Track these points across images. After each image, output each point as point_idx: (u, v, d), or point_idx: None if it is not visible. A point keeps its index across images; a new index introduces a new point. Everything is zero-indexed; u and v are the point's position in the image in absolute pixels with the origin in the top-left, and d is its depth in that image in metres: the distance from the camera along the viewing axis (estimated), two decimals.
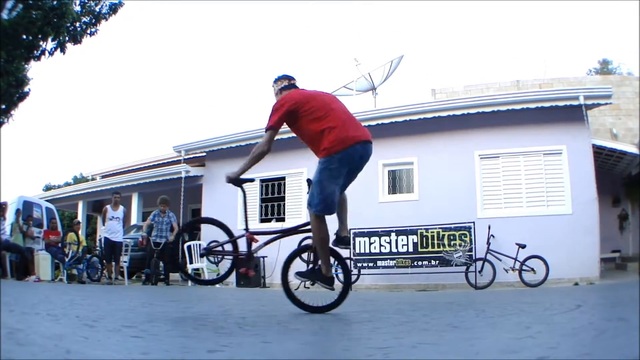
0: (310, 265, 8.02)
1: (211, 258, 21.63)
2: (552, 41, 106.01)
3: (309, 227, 7.55)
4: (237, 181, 7.91)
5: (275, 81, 8.02)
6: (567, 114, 18.25)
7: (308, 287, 17.86)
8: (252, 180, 8.32)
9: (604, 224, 18.83)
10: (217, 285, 19.98)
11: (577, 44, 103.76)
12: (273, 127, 7.41)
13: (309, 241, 8.18)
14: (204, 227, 23.61)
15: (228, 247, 8.15)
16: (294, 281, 7.76)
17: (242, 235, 7.83)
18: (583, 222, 17.45)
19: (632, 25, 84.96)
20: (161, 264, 20.28)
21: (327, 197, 7.11)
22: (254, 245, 7.83)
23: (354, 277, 18.26)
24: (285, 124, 7.53)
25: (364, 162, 7.37)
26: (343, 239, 7.92)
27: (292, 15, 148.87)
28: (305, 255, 8.56)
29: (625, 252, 24.63)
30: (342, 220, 7.87)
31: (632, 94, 27.82)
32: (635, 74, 41.30)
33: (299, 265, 8.02)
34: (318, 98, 7.47)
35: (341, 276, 8.15)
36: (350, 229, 17.57)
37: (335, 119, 7.18)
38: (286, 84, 7.90)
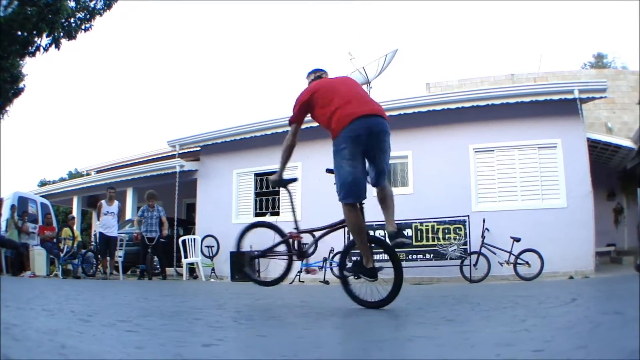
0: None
1: (205, 252, 21.70)
2: (547, 35, 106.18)
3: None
4: (281, 182, 8.08)
5: (307, 76, 8.18)
6: (561, 107, 18.27)
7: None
8: (295, 179, 8.41)
9: (599, 217, 18.86)
10: (212, 280, 20.06)
11: (571, 37, 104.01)
12: (293, 122, 7.56)
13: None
14: (198, 223, 23.70)
15: (282, 247, 8.32)
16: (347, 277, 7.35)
17: (287, 239, 8.12)
18: (578, 216, 17.46)
19: (628, 19, 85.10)
20: (156, 258, 20.25)
21: (347, 181, 6.97)
22: (304, 243, 8.24)
23: None
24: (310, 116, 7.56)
25: (378, 137, 7.04)
26: (393, 235, 7.40)
27: (286, 9, 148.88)
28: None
29: (620, 246, 24.70)
30: (386, 215, 7.59)
31: (626, 88, 27.86)
32: (629, 68, 41.31)
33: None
34: (326, 84, 7.47)
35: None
36: None
37: (339, 100, 7.07)
38: (312, 78, 8.03)
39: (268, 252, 8.53)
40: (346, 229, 7.61)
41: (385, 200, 7.55)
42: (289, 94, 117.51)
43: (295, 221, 8.20)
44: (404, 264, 17.11)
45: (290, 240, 7.90)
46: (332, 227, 8.01)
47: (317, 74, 8.04)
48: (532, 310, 6.21)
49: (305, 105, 7.38)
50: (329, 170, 7.48)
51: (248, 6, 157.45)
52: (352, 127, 6.77)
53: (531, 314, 5.76)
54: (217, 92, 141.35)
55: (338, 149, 6.91)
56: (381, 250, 7.71)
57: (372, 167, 7.26)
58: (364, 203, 7.35)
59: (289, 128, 7.64)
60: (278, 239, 8.14)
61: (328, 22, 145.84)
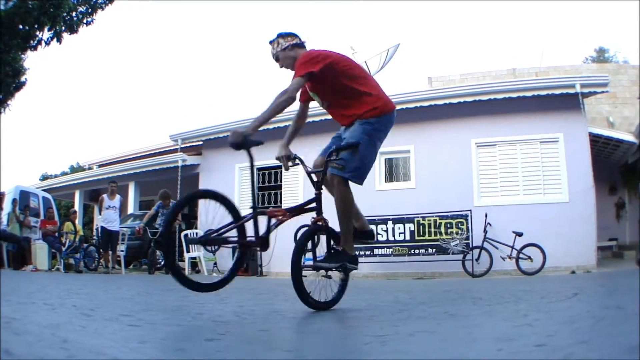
0: (322, 251, 7.06)
1: (209, 247, 21.69)
2: (549, 29, 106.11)
3: (313, 205, 6.87)
4: (244, 143, 6.22)
5: (282, 36, 7.00)
6: (563, 102, 18.26)
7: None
8: (261, 142, 6.58)
9: (600, 212, 18.90)
10: (214, 274, 20.04)
11: (573, 32, 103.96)
12: (312, 73, 6.28)
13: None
14: (200, 217, 23.60)
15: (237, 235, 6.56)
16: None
17: (251, 216, 6.45)
18: (580, 210, 17.49)
19: (629, 13, 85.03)
20: (158, 253, 20.23)
21: (370, 162, 6.46)
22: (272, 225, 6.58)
23: None
24: (308, 83, 6.60)
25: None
26: (368, 233, 7.19)
27: (289, 3, 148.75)
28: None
29: (622, 241, 24.72)
30: (359, 213, 7.12)
31: (628, 82, 27.88)
32: (630, 62, 41.30)
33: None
34: (351, 60, 6.81)
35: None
36: None
37: (374, 82, 6.80)
38: (297, 41, 7.00)
39: (212, 239, 6.86)
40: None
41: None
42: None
43: (254, 199, 6.76)
44: (406, 258, 17.13)
45: (267, 219, 6.54)
46: (302, 208, 7.16)
47: (301, 40, 7.06)
48: (534, 305, 6.20)
49: (330, 66, 6.38)
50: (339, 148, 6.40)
51: (250, 1, 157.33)
52: (394, 115, 6.68)
53: (533, 309, 5.75)
54: (219, 87, 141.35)
55: (378, 128, 6.46)
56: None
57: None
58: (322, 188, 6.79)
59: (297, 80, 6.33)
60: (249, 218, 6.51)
61: (330, 17, 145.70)
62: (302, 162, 7.16)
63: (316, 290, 6.54)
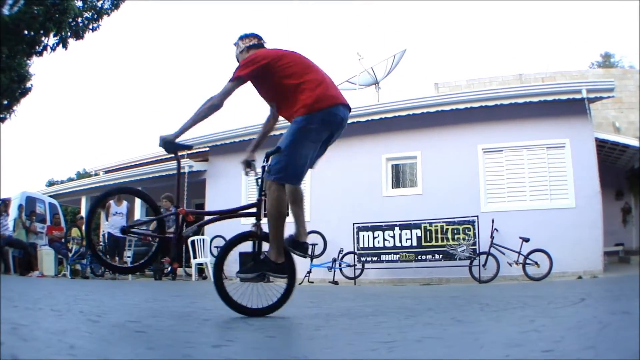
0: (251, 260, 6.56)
1: (214, 253, 21.66)
2: (555, 34, 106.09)
3: (253, 210, 6.50)
4: (172, 145, 6.50)
5: (242, 38, 7.02)
6: (569, 107, 18.22)
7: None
8: (189, 147, 7.29)
9: (607, 217, 18.84)
10: (212, 279, 20.01)
11: (579, 37, 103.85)
12: (241, 78, 6.33)
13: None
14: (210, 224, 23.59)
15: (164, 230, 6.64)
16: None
17: (172, 213, 6.52)
18: (586, 216, 17.41)
19: (634, 18, 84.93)
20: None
21: (298, 162, 6.19)
22: (186, 229, 6.44)
23: (357, 272, 18.58)
24: (251, 83, 6.57)
25: (341, 129, 6.56)
26: (302, 245, 6.60)
27: (294, 8, 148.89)
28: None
29: (628, 246, 24.65)
30: (301, 221, 6.68)
31: (634, 87, 27.80)
32: (636, 67, 41.28)
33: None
34: (294, 54, 6.64)
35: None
36: (353, 223, 17.53)
37: (317, 74, 6.48)
38: (255, 42, 6.96)
39: (133, 230, 7.00)
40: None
41: (299, 201, 6.61)
42: None
43: (178, 198, 6.72)
44: (413, 264, 17.14)
45: (179, 219, 6.36)
46: (225, 214, 7.08)
47: (260, 42, 7.03)
48: (541, 311, 6.20)
49: (264, 69, 6.31)
50: (271, 153, 6.36)
51: (256, 5, 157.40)
52: (332, 112, 6.28)
53: (540, 315, 5.76)
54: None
55: (307, 126, 6.16)
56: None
57: (318, 154, 6.69)
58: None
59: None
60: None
61: (337, 23, 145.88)
62: (254, 168, 7.15)
63: (247, 296, 6.35)
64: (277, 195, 6.18)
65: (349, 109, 6.58)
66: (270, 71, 6.33)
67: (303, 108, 6.18)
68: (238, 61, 6.85)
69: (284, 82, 6.35)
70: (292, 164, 6.16)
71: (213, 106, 6.25)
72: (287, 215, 6.45)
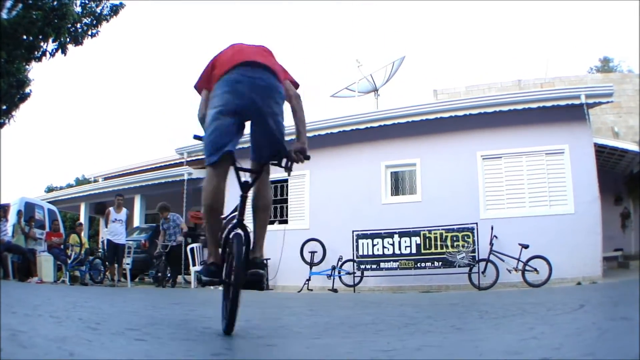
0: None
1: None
2: (553, 40, 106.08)
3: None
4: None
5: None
6: (568, 113, 18.22)
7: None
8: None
9: (606, 222, 18.80)
10: (221, 288, 20.09)
11: (578, 42, 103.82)
12: (196, 88, 6.33)
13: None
14: None
15: None
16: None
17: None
18: (585, 222, 17.39)
19: (633, 22, 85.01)
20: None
21: (210, 135, 5.73)
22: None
23: (357, 279, 18.58)
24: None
25: (261, 89, 5.59)
26: (252, 261, 5.75)
27: (296, 16, 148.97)
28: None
29: (627, 251, 24.64)
30: (257, 235, 6.08)
31: (632, 92, 27.84)
32: (635, 71, 41.29)
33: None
34: (231, 46, 6.18)
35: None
36: (352, 231, 17.51)
37: (226, 55, 5.95)
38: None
39: None
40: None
41: (258, 212, 6.25)
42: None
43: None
44: (412, 271, 17.14)
45: None
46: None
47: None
48: (540, 318, 6.21)
49: (209, 74, 6.03)
50: (196, 137, 6.21)
51: (255, 13, 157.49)
52: (233, 73, 5.60)
53: (539, 322, 5.77)
54: None
55: (213, 95, 5.69)
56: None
57: (256, 136, 6.09)
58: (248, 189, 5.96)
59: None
60: None
61: (335, 30, 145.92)
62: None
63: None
64: (207, 180, 5.87)
65: (267, 66, 5.74)
66: (212, 74, 5.96)
67: (214, 81, 5.77)
68: None
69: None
70: (208, 137, 5.75)
71: (200, 118, 6.15)
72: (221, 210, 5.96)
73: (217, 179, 5.74)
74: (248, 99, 5.55)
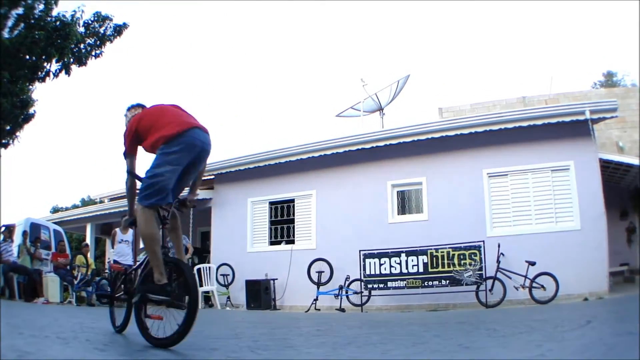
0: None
1: (221, 281, 21.71)
2: (557, 56, 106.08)
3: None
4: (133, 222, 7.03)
5: (129, 109, 7.80)
6: (573, 129, 18.19)
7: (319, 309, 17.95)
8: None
9: (612, 237, 18.73)
10: (228, 309, 20.17)
11: (581, 57, 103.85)
12: (128, 153, 7.06)
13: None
14: (213, 251, 23.74)
15: None
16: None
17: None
18: (592, 237, 17.35)
19: (634, 36, 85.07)
20: None
21: (157, 182, 6.38)
22: None
23: (364, 299, 18.50)
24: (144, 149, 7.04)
25: (205, 153, 6.83)
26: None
27: (301, 35, 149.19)
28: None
29: (633, 265, 24.57)
30: (177, 247, 7.13)
31: (636, 106, 27.77)
32: (638, 85, 41.29)
33: None
34: (152, 109, 7.25)
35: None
36: (359, 250, 17.56)
37: (171, 114, 6.90)
38: (139, 111, 7.51)
39: None
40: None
41: (177, 230, 7.17)
42: (302, 121, 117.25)
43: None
44: (419, 290, 17.15)
45: None
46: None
47: (139, 110, 7.61)
48: (548, 335, 6.21)
49: (134, 135, 6.93)
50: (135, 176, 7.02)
51: (260, 33, 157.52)
52: (187, 135, 6.55)
53: (547, 339, 5.77)
54: (230, 120, 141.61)
55: (165, 152, 6.46)
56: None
57: (183, 179, 6.89)
58: (167, 223, 6.73)
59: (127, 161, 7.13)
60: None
61: (340, 49, 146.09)
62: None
63: (155, 326, 6.11)
64: (143, 217, 6.41)
65: (207, 133, 6.85)
66: (141, 134, 6.83)
67: (162, 139, 6.49)
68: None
69: (151, 137, 6.67)
70: (151, 184, 6.38)
71: (129, 179, 7.09)
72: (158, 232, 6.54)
73: (154, 219, 6.48)
74: (194, 161, 6.69)
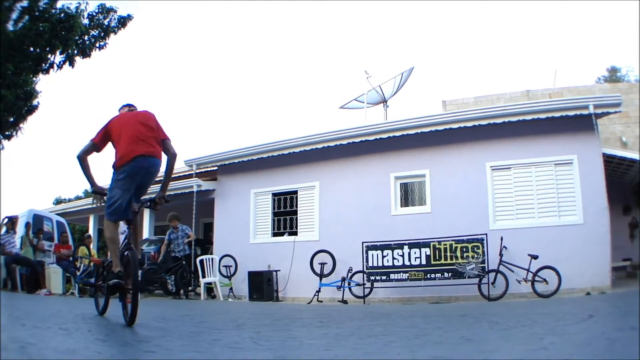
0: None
1: (223, 272, 21.70)
2: (561, 50, 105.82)
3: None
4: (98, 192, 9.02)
5: (120, 109, 9.53)
6: (577, 123, 18.16)
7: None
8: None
9: (614, 232, 18.64)
10: (230, 300, 20.17)
11: (585, 52, 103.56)
12: (93, 141, 8.82)
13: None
14: (216, 242, 23.72)
15: None
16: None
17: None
18: (594, 232, 17.30)
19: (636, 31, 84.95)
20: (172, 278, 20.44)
21: (115, 204, 8.23)
22: None
23: (367, 291, 18.51)
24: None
25: (150, 175, 8.61)
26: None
27: (304, 27, 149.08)
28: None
29: (635, 260, 24.51)
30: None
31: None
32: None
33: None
34: (119, 121, 8.86)
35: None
36: (362, 242, 17.56)
37: (125, 137, 8.47)
38: (126, 110, 9.37)
39: None
40: None
41: (136, 231, 9.11)
42: (305, 113, 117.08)
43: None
44: (422, 282, 17.16)
45: None
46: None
47: (131, 109, 9.48)
48: (550, 328, 6.21)
49: (105, 134, 8.75)
50: (97, 192, 9.05)
51: (264, 24, 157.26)
52: (134, 163, 8.25)
53: (549, 332, 5.76)
54: (234, 111, 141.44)
55: (116, 179, 8.32)
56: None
57: (136, 197, 8.61)
58: (132, 224, 8.60)
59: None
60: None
61: (344, 41, 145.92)
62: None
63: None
64: (107, 225, 8.48)
65: (155, 155, 8.59)
66: (110, 137, 8.73)
67: (115, 163, 8.36)
68: None
69: (113, 144, 8.66)
70: (112, 205, 8.30)
71: (78, 157, 8.79)
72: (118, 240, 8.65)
73: (115, 227, 8.55)
74: (142, 182, 8.51)
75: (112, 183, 8.34)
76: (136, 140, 8.41)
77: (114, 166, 8.36)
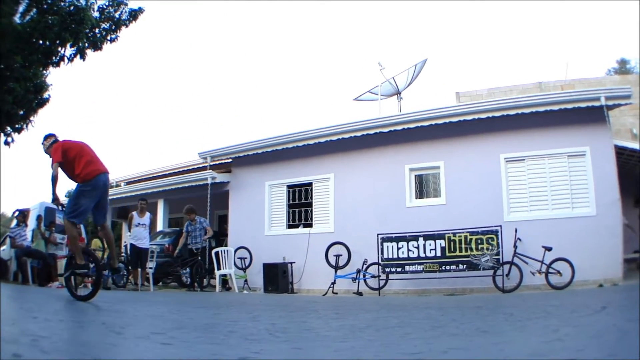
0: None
1: (238, 264, 21.71)
2: (572, 42, 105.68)
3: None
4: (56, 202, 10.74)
5: (45, 138, 11.28)
6: (589, 115, 18.09)
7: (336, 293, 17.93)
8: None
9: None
10: (245, 292, 20.25)
11: (596, 43, 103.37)
12: (58, 161, 10.37)
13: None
14: (231, 235, 23.75)
15: None
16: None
17: None
18: (606, 224, 17.25)
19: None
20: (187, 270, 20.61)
21: (80, 209, 10.30)
22: None
23: (382, 282, 18.48)
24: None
25: (106, 188, 10.77)
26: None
27: (319, 19, 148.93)
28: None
29: None
30: (110, 251, 11.69)
31: None
32: None
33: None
34: (75, 145, 10.83)
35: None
36: (377, 234, 17.61)
37: (88, 157, 10.62)
38: (53, 140, 11.10)
39: None
40: None
41: (108, 237, 11.60)
42: (320, 105, 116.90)
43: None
44: (437, 274, 17.21)
45: None
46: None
47: (55, 138, 11.17)
48: (564, 320, 6.23)
49: (62, 153, 10.42)
50: (57, 203, 10.85)
51: (278, 17, 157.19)
52: (95, 180, 10.37)
53: (563, 324, 5.79)
54: (248, 104, 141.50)
55: (81, 190, 10.31)
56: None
57: (100, 208, 10.78)
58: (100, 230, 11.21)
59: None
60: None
61: (358, 33, 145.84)
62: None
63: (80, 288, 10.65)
64: (69, 226, 10.35)
65: (108, 172, 10.79)
66: (66, 156, 10.47)
67: (79, 178, 10.33)
68: (47, 153, 11.11)
69: (71, 165, 10.48)
70: (78, 210, 10.31)
71: (52, 177, 10.35)
72: (79, 235, 10.21)
73: (76, 227, 10.65)
74: (101, 194, 10.58)
75: (79, 193, 10.36)
76: (96, 160, 10.75)
77: (78, 180, 10.37)
